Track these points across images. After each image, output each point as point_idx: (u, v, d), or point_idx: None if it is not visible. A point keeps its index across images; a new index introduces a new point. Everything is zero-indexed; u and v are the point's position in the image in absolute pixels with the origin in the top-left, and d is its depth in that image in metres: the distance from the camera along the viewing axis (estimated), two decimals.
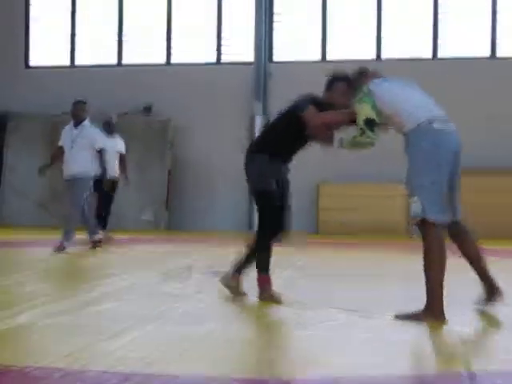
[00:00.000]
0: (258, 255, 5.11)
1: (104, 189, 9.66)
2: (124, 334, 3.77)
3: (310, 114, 5.01)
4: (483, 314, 4.58)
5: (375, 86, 4.57)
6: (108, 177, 9.56)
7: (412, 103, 4.43)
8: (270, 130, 5.49)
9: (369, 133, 4.50)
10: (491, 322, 4.52)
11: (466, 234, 4.58)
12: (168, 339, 3.75)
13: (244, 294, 5.08)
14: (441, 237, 4.31)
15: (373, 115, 4.48)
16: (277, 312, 4.64)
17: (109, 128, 10.26)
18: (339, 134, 4.97)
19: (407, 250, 8.95)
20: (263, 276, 5.04)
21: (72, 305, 4.71)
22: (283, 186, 5.28)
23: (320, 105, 5.09)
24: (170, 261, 7.82)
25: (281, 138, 5.17)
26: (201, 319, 4.30)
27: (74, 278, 6.62)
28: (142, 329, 3.94)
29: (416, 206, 4.28)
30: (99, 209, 9.91)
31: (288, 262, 7.24)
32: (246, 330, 4.14)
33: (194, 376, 3.01)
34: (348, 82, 5.05)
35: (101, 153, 9.12)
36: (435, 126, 4.29)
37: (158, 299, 5.05)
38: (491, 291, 4.59)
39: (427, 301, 4.28)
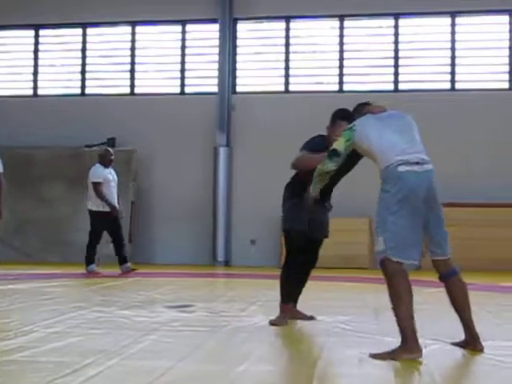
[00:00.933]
0: (281, 284, 5.74)
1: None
2: (86, 370, 3.71)
3: (297, 161, 5.55)
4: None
5: (358, 121, 4.66)
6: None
7: (385, 142, 4.44)
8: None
9: (327, 161, 4.63)
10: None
11: (455, 276, 4.51)
12: (130, 375, 3.70)
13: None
14: (401, 271, 4.28)
15: (340, 147, 4.57)
16: (241, 344, 4.60)
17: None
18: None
19: (374, 283, 8.98)
20: (282, 304, 5.65)
21: (33, 340, 4.62)
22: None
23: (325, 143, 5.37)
24: (133, 294, 7.73)
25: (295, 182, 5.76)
26: (163, 354, 4.25)
27: (37, 313, 6.51)
28: (103, 364, 3.88)
29: (378, 245, 4.34)
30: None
31: (254, 298, 7.20)
32: (208, 364, 4.09)
33: None
34: (348, 119, 5.11)
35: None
36: (400, 169, 4.30)
37: (120, 333, 4.98)
38: (471, 341, 4.49)
39: (401, 337, 4.23)
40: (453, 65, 13.59)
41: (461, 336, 4.55)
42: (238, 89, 14.21)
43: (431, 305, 6.48)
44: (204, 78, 14.41)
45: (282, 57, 14.15)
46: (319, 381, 3.69)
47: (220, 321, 5.69)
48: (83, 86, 14.71)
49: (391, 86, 13.77)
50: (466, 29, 13.68)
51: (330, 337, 4.95)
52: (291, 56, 14.14)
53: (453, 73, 13.58)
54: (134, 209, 13.61)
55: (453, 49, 13.60)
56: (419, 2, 13.52)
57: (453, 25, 13.59)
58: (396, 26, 13.77)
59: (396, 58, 13.77)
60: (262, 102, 13.86)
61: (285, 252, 5.84)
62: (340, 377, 3.87)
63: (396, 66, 13.78)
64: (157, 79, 14.61)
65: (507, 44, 13.48)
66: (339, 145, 4.58)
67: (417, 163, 4.34)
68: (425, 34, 13.81)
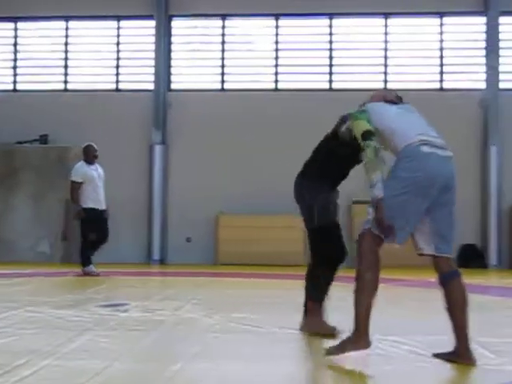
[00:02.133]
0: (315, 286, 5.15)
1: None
2: (19, 370, 3.66)
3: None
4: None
5: (372, 105, 4.39)
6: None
7: (406, 123, 4.21)
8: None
9: (369, 142, 4.10)
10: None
11: (457, 278, 4.15)
12: (64, 374, 3.66)
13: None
14: (375, 253, 4.03)
15: (368, 126, 4.17)
16: (176, 343, 4.61)
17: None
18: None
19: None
20: (309, 302, 5.14)
21: None
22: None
23: None
24: (67, 293, 7.64)
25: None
26: (98, 353, 4.22)
27: None
28: (37, 364, 3.83)
29: (367, 220, 4.07)
30: None
31: (190, 296, 7.20)
32: (143, 363, 4.08)
33: None
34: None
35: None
36: (423, 149, 4.04)
37: (54, 333, 4.93)
38: (463, 354, 4.04)
39: (354, 326, 4.03)
40: (385, 65, 13.83)
41: (392, 333, 4.64)
42: (174, 86, 14.15)
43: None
44: (139, 75, 14.31)
45: (218, 55, 14.16)
46: (248, 377, 3.73)
47: (155, 319, 5.68)
48: (15, 82, 14.43)
49: (327, 85, 13.92)
50: (398, 30, 13.94)
51: (254, 335, 5.00)
52: (227, 54, 14.16)
53: (386, 73, 13.83)
54: (69, 207, 13.41)
55: (385, 49, 13.84)
56: (354, 3, 13.71)
57: (386, 25, 13.84)
58: (331, 26, 13.93)
59: (330, 57, 13.93)
60: (198, 100, 13.84)
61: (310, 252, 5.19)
62: (268, 375, 3.91)
63: (331, 65, 13.94)
64: (91, 75, 14.43)
65: (438, 45, 13.80)
66: (365, 125, 4.16)
67: (440, 147, 4.13)
68: (360, 33, 14.02)
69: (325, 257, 5.03)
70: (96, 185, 10.13)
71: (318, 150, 5.20)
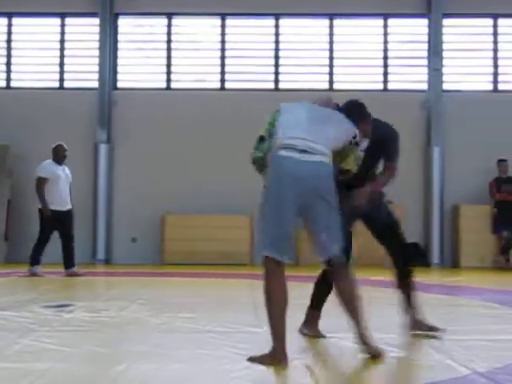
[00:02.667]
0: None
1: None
2: None
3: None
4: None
5: (283, 105, 4.41)
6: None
7: (285, 124, 4.20)
8: None
9: (253, 149, 4.30)
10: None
11: (342, 274, 4.25)
12: (7, 377, 3.61)
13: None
14: (270, 269, 4.04)
15: (262, 132, 4.33)
16: (122, 343, 4.58)
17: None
18: None
19: (251, 279, 9.09)
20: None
21: None
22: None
23: None
24: (10, 294, 7.52)
25: None
26: (41, 355, 4.17)
27: None
28: None
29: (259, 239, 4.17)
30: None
31: (135, 296, 7.16)
32: (88, 364, 4.05)
33: None
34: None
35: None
36: (280, 152, 4.04)
37: None
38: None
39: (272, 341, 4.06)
40: (331, 66, 13.96)
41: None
42: (120, 84, 14.03)
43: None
44: (85, 73, 14.15)
45: (164, 53, 14.09)
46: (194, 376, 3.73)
47: (100, 320, 5.64)
48: None
49: (272, 85, 13.99)
50: (342, 31, 14.08)
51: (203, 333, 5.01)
52: (173, 53, 14.10)
53: (331, 73, 13.95)
54: (10, 207, 13.20)
55: (331, 50, 13.97)
56: (299, 4, 13.79)
57: (331, 26, 13.96)
58: (277, 26, 14.00)
59: (277, 57, 14.00)
60: (144, 99, 13.74)
61: None
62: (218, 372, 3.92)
63: (277, 65, 14.00)
64: (35, 73, 14.21)
65: (382, 47, 13.99)
66: (262, 129, 4.34)
67: (304, 151, 4.04)
68: (304, 34, 14.12)
69: None
70: (61, 185, 9.99)
71: None
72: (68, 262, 10.02)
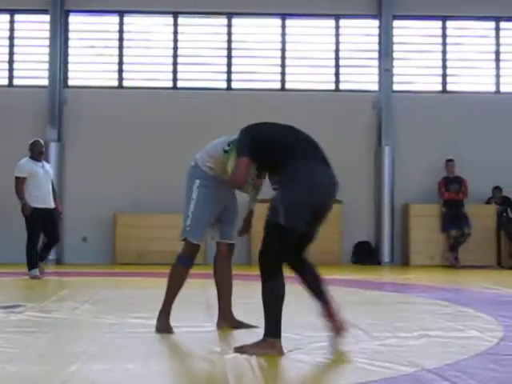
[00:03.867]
0: None
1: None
2: None
3: None
4: None
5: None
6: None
7: None
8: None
9: None
10: None
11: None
12: None
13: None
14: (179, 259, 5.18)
15: None
16: (73, 344, 4.54)
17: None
18: None
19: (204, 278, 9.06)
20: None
21: None
22: None
23: None
24: None
25: None
26: None
27: None
28: None
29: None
30: None
31: (87, 297, 7.09)
32: (38, 365, 4.00)
33: None
34: None
35: None
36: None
37: None
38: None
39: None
40: (283, 65, 14.02)
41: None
42: (70, 82, 13.88)
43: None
44: (34, 71, 13.96)
45: (116, 51, 13.99)
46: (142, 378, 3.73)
47: (51, 321, 5.57)
48: None
49: (224, 84, 13.98)
50: (294, 31, 14.16)
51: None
52: (125, 51, 14.01)
53: (283, 73, 14.02)
54: None
55: (283, 49, 14.04)
56: (251, 3, 13.83)
57: (283, 26, 14.03)
58: (229, 25, 14.01)
59: (229, 56, 14.01)
60: (95, 97, 13.62)
61: None
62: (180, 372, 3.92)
63: (229, 64, 14.01)
64: None
65: (333, 47, 14.10)
66: None
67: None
68: (256, 34, 14.17)
69: None
70: (40, 182, 9.62)
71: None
72: (42, 258, 9.82)
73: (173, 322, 5.11)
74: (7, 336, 4.86)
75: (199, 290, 7.55)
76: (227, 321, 5.17)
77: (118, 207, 13.12)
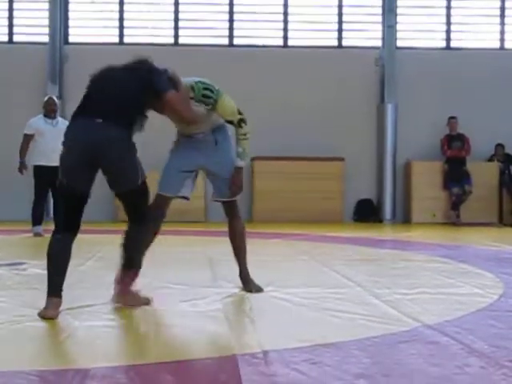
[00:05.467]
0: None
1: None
2: None
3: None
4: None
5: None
6: None
7: None
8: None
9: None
10: None
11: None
12: None
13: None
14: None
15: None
16: (79, 299, 4.58)
17: None
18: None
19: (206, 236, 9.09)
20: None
21: None
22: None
23: None
24: None
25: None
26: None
27: None
28: None
29: None
30: None
31: (90, 253, 7.14)
32: (46, 321, 4.04)
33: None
34: None
35: None
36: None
37: None
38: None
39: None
40: (285, 21, 13.88)
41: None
42: (71, 39, 13.77)
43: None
44: (35, 27, 13.84)
45: (117, 7, 13.84)
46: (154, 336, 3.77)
47: None
48: None
49: (226, 41, 13.87)
50: None
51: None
52: (126, 7, 13.86)
53: (286, 29, 13.89)
54: None
55: (285, 5, 13.88)
56: None
57: None
58: None
59: (231, 12, 13.86)
60: (96, 54, 13.47)
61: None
62: (176, 329, 3.95)
63: (231, 20, 13.87)
64: None
65: (337, 2, 13.95)
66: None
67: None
68: None
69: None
70: (46, 140, 9.43)
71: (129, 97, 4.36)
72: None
73: (174, 280, 5.12)
74: (11, 293, 4.91)
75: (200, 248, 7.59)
76: (242, 278, 5.07)
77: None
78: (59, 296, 4.14)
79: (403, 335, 3.63)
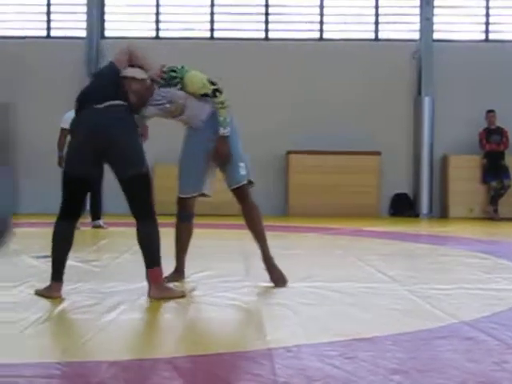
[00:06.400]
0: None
1: None
2: None
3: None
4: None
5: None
6: None
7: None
8: None
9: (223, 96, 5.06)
10: None
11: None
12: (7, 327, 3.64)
13: None
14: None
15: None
16: (112, 294, 4.60)
17: None
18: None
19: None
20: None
21: None
22: None
23: None
24: None
25: None
26: (32, 306, 4.18)
27: None
28: None
29: None
30: None
31: (125, 247, 7.18)
32: (77, 314, 4.07)
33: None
34: None
35: None
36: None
37: None
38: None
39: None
40: (321, 14, 13.80)
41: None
42: (107, 34, 13.87)
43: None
44: (71, 22, 13.96)
45: (153, 1, 13.90)
46: (190, 327, 3.77)
47: (90, 270, 5.65)
48: None
49: (262, 35, 13.85)
50: None
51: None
52: (161, 1, 13.91)
53: (321, 22, 13.81)
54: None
55: None
56: None
57: None
58: None
59: (266, 5, 13.82)
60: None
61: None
62: (211, 322, 3.96)
63: (267, 13, 13.84)
64: (21, 21, 14.00)
65: None
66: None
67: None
68: None
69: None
70: None
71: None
72: (93, 214, 10.07)
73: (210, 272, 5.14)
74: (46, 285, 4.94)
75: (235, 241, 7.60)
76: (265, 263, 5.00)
77: (157, 158, 13.14)
78: (60, 280, 4.44)
79: (439, 331, 3.59)
